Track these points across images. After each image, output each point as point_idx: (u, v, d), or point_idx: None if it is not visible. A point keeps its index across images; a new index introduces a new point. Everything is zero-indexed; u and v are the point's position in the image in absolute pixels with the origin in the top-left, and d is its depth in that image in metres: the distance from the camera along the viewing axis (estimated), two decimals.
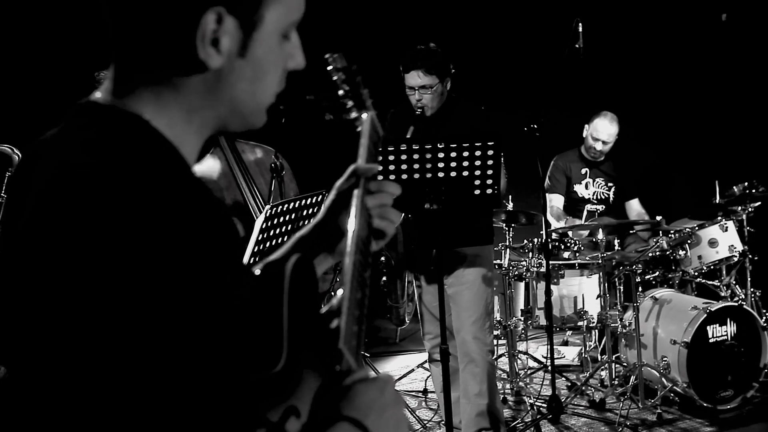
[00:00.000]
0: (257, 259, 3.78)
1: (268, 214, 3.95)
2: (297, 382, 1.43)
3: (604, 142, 7.29)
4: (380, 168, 4.48)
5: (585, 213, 7.29)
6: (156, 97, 1.35)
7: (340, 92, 2.14)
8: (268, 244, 3.86)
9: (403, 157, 4.53)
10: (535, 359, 7.44)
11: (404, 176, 4.55)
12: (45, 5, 6.04)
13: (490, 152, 4.63)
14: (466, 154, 4.62)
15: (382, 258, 6.36)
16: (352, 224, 1.72)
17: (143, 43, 1.34)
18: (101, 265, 1.13)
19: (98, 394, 1.14)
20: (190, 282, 1.20)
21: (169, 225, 1.19)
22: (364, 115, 2.01)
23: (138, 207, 1.17)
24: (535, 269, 6.96)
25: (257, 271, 1.51)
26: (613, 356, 6.85)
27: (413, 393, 6.97)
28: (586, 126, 7.35)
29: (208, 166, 4.95)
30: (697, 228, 6.71)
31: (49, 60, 5.54)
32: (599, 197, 7.38)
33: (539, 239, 6.76)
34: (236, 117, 1.44)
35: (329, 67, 2.13)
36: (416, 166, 4.63)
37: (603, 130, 7.28)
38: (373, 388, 1.45)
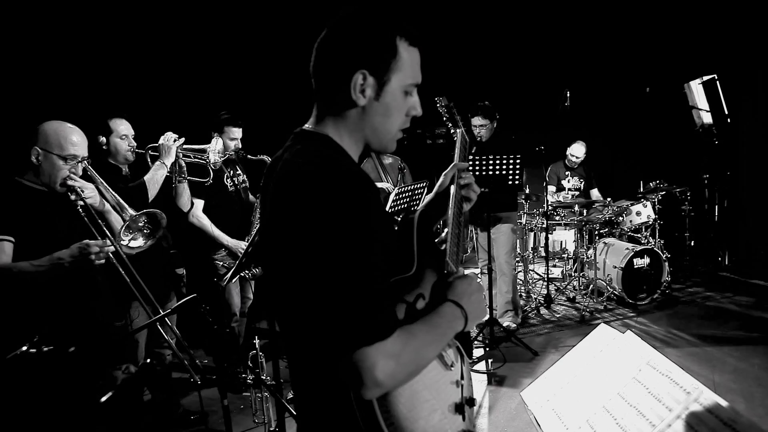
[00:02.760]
0: (391, 215, 3.81)
1: (395, 193, 3.96)
2: (423, 279, 1.44)
3: (577, 157, 7.11)
4: (470, 164, 4.56)
5: (569, 196, 7.18)
6: (335, 124, 1.39)
7: (444, 119, 2.15)
8: (395, 208, 3.87)
9: (470, 164, 4.54)
10: (538, 274, 7.35)
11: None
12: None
13: (517, 162, 4.64)
14: (504, 162, 4.62)
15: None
16: (452, 194, 1.75)
17: (326, 94, 1.39)
18: (314, 218, 1.17)
19: (334, 285, 1.15)
20: (369, 224, 1.21)
21: (347, 190, 1.21)
22: (458, 131, 2.02)
23: (332, 184, 1.20)
24: (540, 225, 6.90)
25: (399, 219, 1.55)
26: (581, 273, 6.72)
27: None
28: (568, 148, 7.19)
29: (367, 167, 4.99)
30: (629, 204, 6.56)
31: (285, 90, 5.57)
32: (575, 187, 7.23)
33: (542, 209, 6.64)
34: (375, 139, 1.42)
35: (437, 104, 2.14)
36: (477, 168, 4.62)
37: (576, 150, 7.11)
38: (465, 282, 1.46)
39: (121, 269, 2.78)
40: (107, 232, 2.80)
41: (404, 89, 1.39)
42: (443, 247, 1.63)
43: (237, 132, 4.22)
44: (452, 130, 2.11)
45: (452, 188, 1.78)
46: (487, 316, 4.99)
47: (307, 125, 1.42)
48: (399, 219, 1.55)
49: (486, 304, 1.53)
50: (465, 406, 1.45)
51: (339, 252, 1.15)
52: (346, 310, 1.13)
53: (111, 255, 2.65)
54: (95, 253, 2.53)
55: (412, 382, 1.26)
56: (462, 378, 1.49)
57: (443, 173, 1.85)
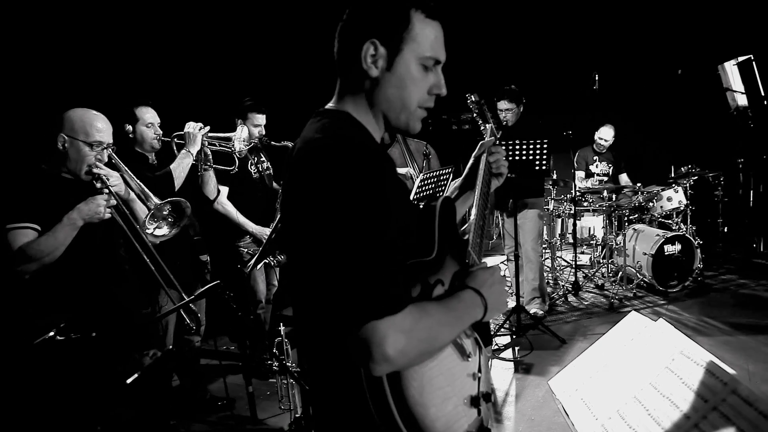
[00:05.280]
0: (415, 202, 3.80)
1: (421, 178, 3.93)
2: (443, 266, 1.40)
3: (605, 140, 7.03)
4: (499, 144, 4.50)
5: (596, 181, 7.08)
6: (354, 100, 1.37)
7: (474, 114, 2.15)
8: (421, 194, 3.85)
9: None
10: (566, 261, 7.26)
11: None
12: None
13: (544, 146, 4.60)
14: (531, 147, 4.59)
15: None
16: (478, 183, 1.75)
17: (343, 70, 1.38)
18: (326, 189, 1.16)
19: (350, 266, 1.13)
20: (382, 197, 1.18)
21: (360, 162, 1.18)
22: (487, 125, 2.05)
23: (345, 157, 1.18)
24: (567, 211, 6.81)
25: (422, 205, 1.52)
26: (609, 260, 6.62)
27: None
28: (596, 131, 7.09)
29: (394, 152, 4.98)
30: (660, 190, 6.43)
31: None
32: (604, 173, 7.12)
33: (570, 194, 6.54)
34: (392, 113, 1.38)
35: (467, 101, 2.15)
36: (504, 153, 4.57)
37: (605, 133, 7.03)
38: (487, 272, 1.42)
39: (146, 257, 2.80)
40: (132, 220, 2.82)
41: (420, 62, 1.34)
42: (466, 237, 1.60)
43: (261, 118, 4.22)
44: (482, 126, 2.11)
45: (479, 180, 1.77)
46: (514, 304, 4.95)
47: (329, 104, 1.41)
48: (422, 205, 1.52)
49: (507, 296, 1.50)
50: (481, 400, 1.41)
51: (350, 224, 1.13)
52: (356, 282, 1.10)
53: (136, 244, 2.67)
54: (103, 206, 2.61)
55: (425, 366, 1.23)
56: (479, 371, 1.44)
57: (473, 154, 1.87)
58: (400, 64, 1.33)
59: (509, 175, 4.67)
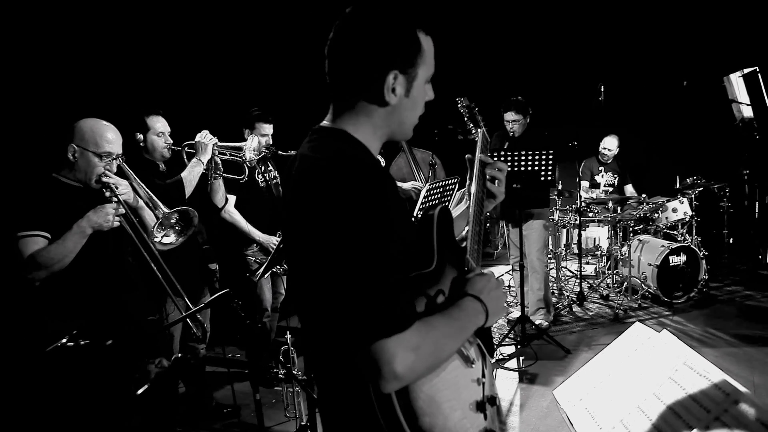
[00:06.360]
0: (422, 212, 3.81)
1: (427, 188, 3.94)
2: (443, 275, 1.42)
3: (609, 149, 7.04)
4: (506, 154, 4.52)
5: (602, 191, 7.08)
6: (355, 120, 1.37)
7: (465, 118, 2.14)
8: (427, 204, 3.86)
9: (503, 159, 4.49)
10: (571, 271, 7.25)
11: None
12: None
13: (550, 157, 4.60)
14: (536, 158, 4.59)
15: (488, 213, 6.33)
16: (473, 189, 1.75)
17: (348, 94, 1.36)
18: (331, 210, 1.16)
19: (350, 279, 1.13)
20: (385, 215, 1.19)
21: (362, 182, 1.19)
22: (478, 130, 2.01)
23: (346, 177, 1.19)
24: (573, 222, 6.83)
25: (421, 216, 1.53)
26: (614, 271, 6.60)
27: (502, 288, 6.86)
28: (601, 142, 7.11)
29: (400, 162, 4.99)
30: (666, 201, 6.41)
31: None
32: (609, 183, 7.12)
33: (575, 205, 6.54)
34: (400, 131, 1.42)
35: (458, 105, 2.13)
36: (509, 164, 4.58)
37: (609, 143, 7.04)
38: (483, 278, 1.44)
39: (153, 265, 2.83)
40: (140, 228, 2.84)
41: (426, 80, 1.40)
42: (464, 245, 1.62)
43: (268, 128, 4.25)
44: (473, 130, 2.09)
45: (473, 186, 1.77)
46: (519, 314, 4.96)
47: (324, 122, 1.41)
48: (420, 215, 1.54)
49: (506, 301, 1.51)
50: (486, 404, 1.43)
51: (356, 244, 1.13)
52: (364, 301, 1.11)
53: (144, 252, 2.70)
54: (111, 214, 2.63)
55: (432, 377, 1.25)
56: (483, 376, 1.46)
57: (469, 159, 1.86)
58: (415, 87, 1.37)
59: (515, 185, 4.73)
